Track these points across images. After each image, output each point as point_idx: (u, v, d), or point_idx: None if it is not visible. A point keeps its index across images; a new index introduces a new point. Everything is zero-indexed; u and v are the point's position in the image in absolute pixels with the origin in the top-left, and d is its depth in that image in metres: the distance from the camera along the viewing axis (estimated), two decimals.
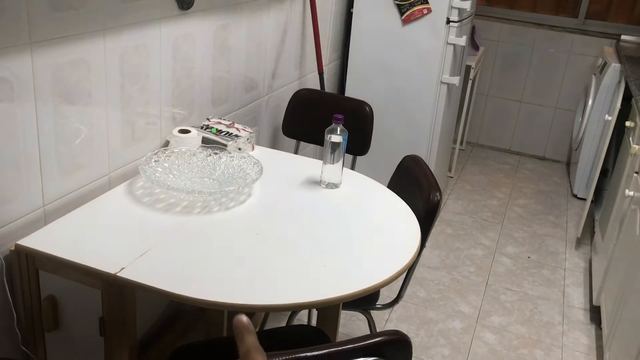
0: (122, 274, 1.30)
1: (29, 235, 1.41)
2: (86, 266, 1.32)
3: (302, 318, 2.45)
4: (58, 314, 1.44)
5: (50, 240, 1.39)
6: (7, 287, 1.39)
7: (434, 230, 3.31)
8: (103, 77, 1.57)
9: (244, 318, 0.57)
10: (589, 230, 3.46)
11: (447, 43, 2.98)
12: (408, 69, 3.06)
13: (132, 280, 1.29)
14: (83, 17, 1.45)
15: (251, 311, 1.91)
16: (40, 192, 1.45)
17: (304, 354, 1.03)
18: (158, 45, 1.76)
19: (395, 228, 1.64)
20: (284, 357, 1.01)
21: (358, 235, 1.58)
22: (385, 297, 2.55)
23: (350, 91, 3.21)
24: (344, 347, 1.06)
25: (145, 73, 1.73)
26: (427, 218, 1.69)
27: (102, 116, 1.61)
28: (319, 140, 2.45)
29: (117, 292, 1.36)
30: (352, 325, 2.50)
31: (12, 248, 1.39)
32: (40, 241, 1.39)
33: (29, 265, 1.40)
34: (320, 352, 1.05)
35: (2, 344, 1.43)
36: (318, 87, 2.90)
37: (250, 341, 0.56)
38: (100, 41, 1.53)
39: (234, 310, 1.31)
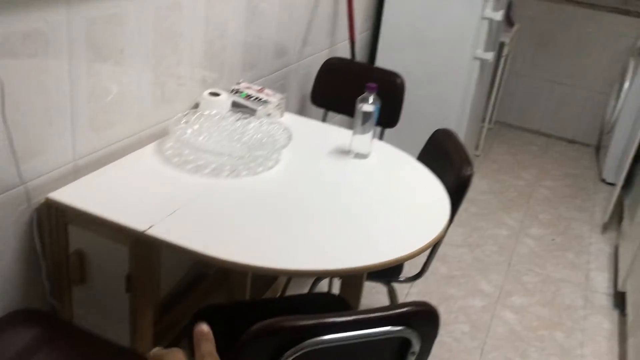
0: (150, 232, 1.30)
1: (59, 189, 1.41)
2: (115, 222, 1.32)
3: (321, 288, 2.45)
4: (85, 268, 1.45)
5: (80, 195, 1.40)
6: (37, 240, 1.40)
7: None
8: (136, 34, 1.55)
9: (204, 327, 0.62)
10: (617, 215, 3.39)
11: (483, 17, 2.90)
12: (441, 43, 2.99)
13: (160, 238, 1.29)
14: None
15: (275, 274, 1.92)
16: (71, 146, 1.45)
17: (331, 319, 1.02)
18: (192, 4, 1.73)
19: (425, 201, 1.61)
20: (312, 321, 1.01)
21: (386, 206, 1.56)
22: (406, 270, 2.54)
23: (381, 62, 3.15)
24: (371, 315, 1.05)
25: (179, 32, 1.71)
26: (457, 193, 1.67)
27: (134, 74, 1.60)
28: (348, 111, 2.41)
29: (144, 249, 1.37)
30: (371, 297, 2.50)
31: (43, 201, 1.39)
32: (70, 195, 1.39)
33: (59, 218, 1.41)
34: (347, 319, 1.04)
35: (31, 294, 1.45)
36: (349, 57, 2.85)
37: (206, 348, 0.60)
38: None
39: (258, 272, 1.31)
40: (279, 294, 2.26)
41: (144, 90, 1.65)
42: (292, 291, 2.36)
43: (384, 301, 2.47)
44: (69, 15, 1.33)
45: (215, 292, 2.04)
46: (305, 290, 2.34)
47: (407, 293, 2.54)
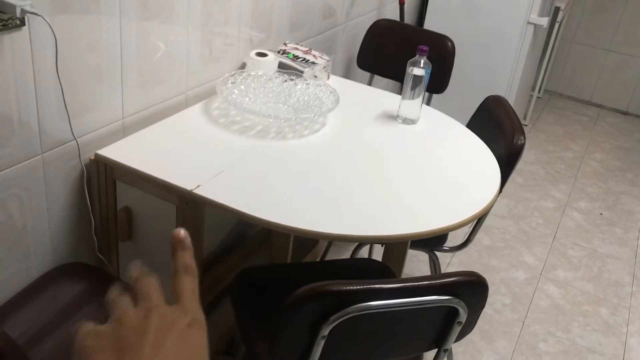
0: (198, 191, 1.30)
1: (108, 146, 1.42)
2: (163, 180, 1.32)
3: (362, 254, 2.44)
4: (132, 226, 1.47)
5: (129, 153, 1.41)
6: (87, 195, 1.42)
7: None
8: None
9: (181, 232, 0.51)
10: None
11: None
12: (494, 6, 2.88)
13: (208, 198, 1.29)
14: None
15: (318, 238, 1.91)
16: (120, 104, 1.46)
17: (378, 286, 1.01)
18: None
19: (474, 170, 1.57)
20: (359, 287, 1.00)
21: (434, 174, 1.52)
22: (450, 240, 2.51)
23: (430, 25, 3.06)
24: (419, 283, 1.03)
25: None
26: (508, 163, 1.62)
27: (183, 33, 1.58)
28: (395, 75, 2.36)
29: (191, 208, 1.37)
30: (412, 265, 2.48)
31: (92, 157, 1.41)
32: (118, 152, 1.40)
33: (107, 175, 1.42)
34: (394, 286, 1.03)
35: (80, 249, 1.48)
36: (397, 19, 2.78)
37: (183, 260, 0.50)
38: None
39: (302, 235, 1.30)
40: (319, 258, 2.26)
41: (191, 48, 1.64)
42: (331, 256, 2.36)
43: (425, 270, 2.45)
44: None
45: (256, 254, 2.05)
46: (345, 256, 2.33)
47: (449, 263, 2.52)
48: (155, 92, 1.56)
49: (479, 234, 2.71)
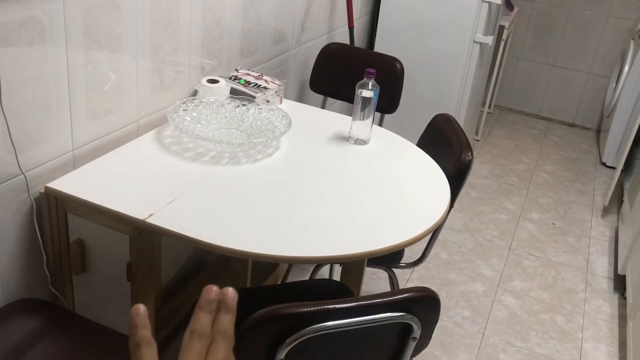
0: (150, 220, 1.30)
1: (59, 179, 1.41)
2: (115, 211, 1.32)
3: (322, 274, 2.46)
4: (86, 258, 1.45)
5: (80, 184, 1.40)
6: (37, 229, 1.40)
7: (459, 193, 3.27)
8: (133, 22, 1.54)
9: (140, 308, 0.54)
10: (617, 199, 3.39)
11: (482, 1, 2.88)
12: (441, 27, 2.97)
13: (161, 227, 1.29)
14: None
15: (274, 261, 1.92)
16: (70, 135, 1.45)
17: (331, 306, 1.03)
18: None
19: (425, 187, 1.61)
20: (312, 308, 1.01)
21: (386, 192, 1.56)
22: (407, 257, 2.54)
23: (380, 47, 3.14)
24: (372, 301, 1.05)
25: (176, 19, 1.70)
26: (457, 178, 1.66)
27: (132, 62, 1.59)
28: (347, 97, 2.41)
29: (144, 238, 1.37)
30: (373, 283, 2.50)
31: (42, 190, 1.39)
32: (69, 185, 1.39)
33: (58, 208, 1.40)
34: (347, 305, 1.04)
35: (32, 284, 1.45)
36: (348, 42, 2.83)
37: (141, 335, 0.52)
38: None
39: (258, 259, 1.31)
40: (280, 281, 2.26)
41: (142, 77, 1.64)
42: (293, 278, 2.36)
43: (385, 287, 2.48)
44: (65, 2, 1.32)
45: (216, 280, 2.04)
46: (307, 277, 2.34)
47: (408, 279, 2.55)
48: (106, 122, 1.56)
49: (437, 249, 2.76)
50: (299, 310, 1.00)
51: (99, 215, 1.36)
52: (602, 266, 2.79)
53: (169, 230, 1.28)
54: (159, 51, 1.67)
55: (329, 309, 1.02)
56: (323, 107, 2.53)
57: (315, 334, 1.02)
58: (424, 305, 1.09)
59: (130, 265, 1.38)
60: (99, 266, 1.46)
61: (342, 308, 1.03)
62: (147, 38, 1.61)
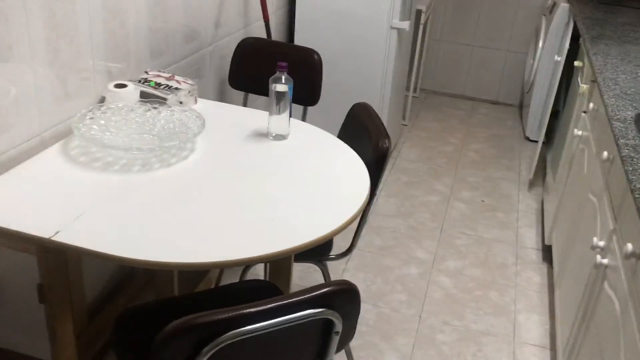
0: (56, 238, 1.23)
1: None
2: (18, 231, 1.24)
3: (258, 273, 2.42)
4: None
5: None
6: None
7: (389, 179, 3.30)
8: (24, 30, 1.45)
9: None
10: (542, 172, 3.51)
11: None
12: (358, 15, 2.97)
13: (69, 244, 1.22)
14: None
15: (197, 269, 1.87)
16: None
17: (249, 310, 1.00)
18: None
19: (344, 177, 1.60)
20: (226, 314, 0.98)
21: (306, 186, 1.54)
22: (341, 247, 2.54)
23: (300, 40, 3.11)
24: (289, 300, 1.03)
25: (74, 24, 1.62)
26: (377, 166, 1.66)
27: (28, 72, 1.50)
28: (267, 92, 2.37)
29: (55, 257, 1.30)
30: (309, 277, 2.49)
31: None
32: None
33: None
34: (265, 307, 1.02)
35: None
36: (265, 36, 2.79)
37: None
38: None
39: (180, 269, 1.27)
40: (214, 285, 2.21)
41: (42, 88, 1.55)
42: (227, 279, 2.32)
43: (321, 280, 2.47)
44: None
45: (145, 292, 1.98)
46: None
47: (344, 268, 2.55)
48: (5, 138, 1.47)
49: (371, 236, 2.77)
50: (212, 318, 0.96)
51: (2, 237, 1.27)
52: (530, 238, 2.88)
53: (78, 247, 1.22)
54: (58, 58, 1.59)
55: (244, 313, 0.99)
56: (245, 103, 2.49)
57: (235, 340, 0.99)
58: (344, 299, 1.08)
59: (40, 287, 1.31)
60: (10, 290, 1.37)
61: (259, 311, 1.00)
62: (42, 46, 1.52)
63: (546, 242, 2.69)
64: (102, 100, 1.80)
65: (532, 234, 2.92)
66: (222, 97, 2.65)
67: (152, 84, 1.86)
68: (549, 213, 2.77)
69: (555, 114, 3.61)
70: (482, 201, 3.17)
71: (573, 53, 3.15)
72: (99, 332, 1.79)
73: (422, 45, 4.14)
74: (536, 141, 3.89)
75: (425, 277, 2.53)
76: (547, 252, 2.76)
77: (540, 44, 3.71)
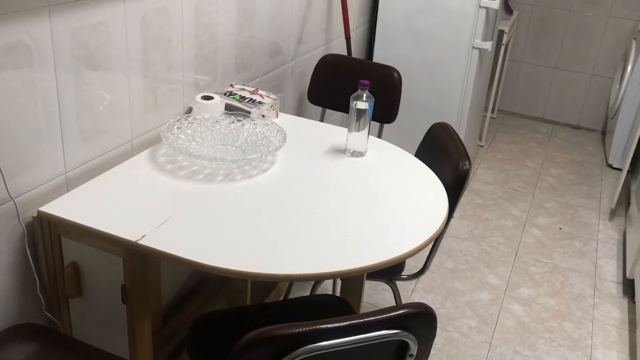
0: (143, 242, 1.28)
1: (51, 202, 1.40)
2: (107, 233, 1.31)
3: (326, 287, 2.43)
4: (81, 281, 1.44)
5: (72, 207, 1.39)
6: (29, 254, 1.39)
7: (463, 200, 3.24)
8: (124, 42, 1.54)
9: None
10: (624, 201, 3.35)
11: (480, 6, 2.87)
12: (438, 34, 2.96)
13: (153, 248, 1.27)
14: None
15: (273, 280, 1.91)
16: (62, 158, 1.44)
17: (324, 326, 1.00)
18: (180, 9, 1.72)
19: (422, 198, 1.59)
20: (305, 328, 0.99)
21: (384, 204, 1.54)
22: (411, 267, 2.52)
23: (378, 57, 3.12)
24: (366, 319, 1.03)
25: (167, 37, 1.70)
26: (455, 187, 1.64)
27: (124, 82, 1.58)
28: (346, 108, 2.39)
29: (139, 259, 1.35)
30: (377, 295, 2.48)
31: (35, 215, 1.38)
32: (62, 208, 1.38)
33: (52, 232, 1.39)
34: (342, 324, 1.02)
35: (27, 309, 1.44)
36: (345, 53, 2.82)
37: None
38: (120, 4, 1.49)
39: (255, 279, 1.29)
40: (282, 297, 2.24)
41: (134, 97, 1.63)
42: (296, 292, 2.34)
43: (389, 298, 2.45)
44: (52, 25, 1.32)
45: (217, 298, 2.02)
46: (308, 291, 2.32)
47: (414, 289, 2.52)
48: (99, 144, 1.55)
49: (442, 258, 2.73)
50: (290, 331, 0.97)
51: (92, 237, 1.34)
52: (610, 270, 2.75)
53: (162, 251, 1.27)
54: (151, 70, 1.67)
55: (321, 328, 0.99)
56: (322, 118, 2.52)
57: (309, 355, 1.00)
58: (420, 322, 1.07)
59: (124, 288, 1.37)
60: (94, 289, 1.44)
61: (335, 327, 1.00)
62: (138, 57, 1.60)
63: (628, 276, 2.57)
64: (189, 111, 1.87)
65: (613, 266, 2.78)
66: (299, 111, 2.69)
67: (237, 97, 1.91)
68: (632, 245, 2.64)
69: None
70: (560, 229, 3.06)
71: None
72: (173, 334, 1.84)
73: (502, 66, 4.06)
74: (620, 169, 3.72)
75: (497, 304, 2.47)
76: (628, 286, 2.63)
77: (629, 68, 3.56)
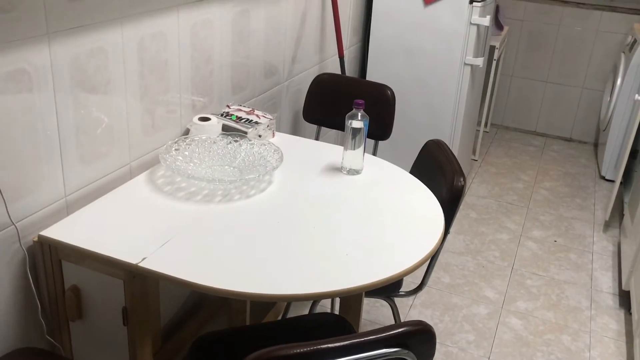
0: (143, 264, 1.29)
1: (52, 226, 1.41)
2: (108, 256, 1.32)
3: (325, 305, 2.44)
4: (82, 304, 1.45)
5: (73, 231, 1.40)
6: (30, 278, 1.40)
7: (458, 215, 3.27)
8: (121, 66, 1.56)
9: None
10: (618, 213, 3.38)
11: (471, 23, 2.91)
12: (430, 51, 3.00)
13: (154, 270, 1.29)
14: (99, 6, 1.44)
15: (272, 300, 1.91)
16: (62, 182, 1.46)
17: (325, 346, 1.02)
18: (176, 32, 1.74)
19: (418, 214, 1.61)
20: (303, 349, 1.00)
21: (380, 222, 1.55)
22: (409, 282, 2.53)
23: (372, 75, 3.16)
24: (366, 339, 1.04)
25: (164, 60, 1.72)
26: (451, 204, 1.66)
27: (122, 105, 1.60)
28: (341, 126, 2.42)
29: (139, 281, 1.36)
30: (375, 311, 2.48)
31: (35, 239, 1.39)
32: (62, 232, 1.39)
33: (52, 255, 1.40)
34: (342, 344, 1.03)
35: (28, 333, 1.44)
36: (339, 72, 2.86)
37: None
38: (118, 29, 1.52)
39: (254, 300, 1.31)
40: (280, 316, 2.25)
41: (132, 120, 1.65)
42: (294, 310, 2.35)
43: (387, 314, 2.46)
44: (51, 52, 1.34)
45: (216, 318, 2.03)
46: (307, 309, 2.33)
47: (412, 305, 2.53)
48: (98, 166, 1.57)
49: (439, 273, 2.74)
50: (291, 352, 0.99)
51: (93, 261, 1.36)
52: (606, 282, 2.77)
53: (162, 273, 1.28)
54: (148, 92, 1.69)
55: (322, 348, 1.01)
56: (317, 136, 2.54)
57: None
58: (420, 339, 1.08)
59: (125, 310, 1.38)
60: (96, 312, 1.45)
61: (335, 347, 1.02)
62: (136, 81, 1.63)
63: (623, 287, 2.59)
64: (187, 132, 1.89)
65: (608, 277, 2.81)
66: (295, 130, 2.72)
67: (234, 117, 1.93)
68: (627, 256, 2.67)
69: (633, 154, 3.48)
70: (555, 241, 3.08)
71: None
72: (173, 354, 1.85)
73: (494, 80, 4.11)
74: (612, 180, 3.76)
75: (495, 317, 2.48)
76: (624, 298, 2.65)
77: (619, 82, 3.61)
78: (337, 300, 2.25)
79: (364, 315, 2.45)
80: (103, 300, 1.42)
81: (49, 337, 1.47)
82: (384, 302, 2.52)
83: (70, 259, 1.39)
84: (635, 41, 3.57)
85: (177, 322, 1.94)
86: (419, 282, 1.87)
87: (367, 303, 2.53)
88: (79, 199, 1.52)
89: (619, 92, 3.61)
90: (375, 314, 2.47)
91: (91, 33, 1.44)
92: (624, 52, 3.77)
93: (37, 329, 1.46)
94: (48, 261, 1.41)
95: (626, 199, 3.27)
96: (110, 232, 1.40)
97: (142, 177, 1.67)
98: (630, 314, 2.43)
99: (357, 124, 1.75)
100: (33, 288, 1.41)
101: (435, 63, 3.01)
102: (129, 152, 1.67)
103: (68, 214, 1.48)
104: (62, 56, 1.37)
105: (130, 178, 1.68)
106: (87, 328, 1.47)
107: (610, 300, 2.64)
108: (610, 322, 2.50)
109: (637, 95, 3.08)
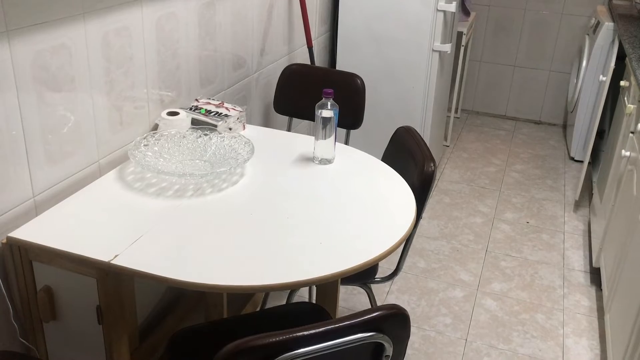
0: (115, 262, 1.28)
1: (21, 227, 1.39)
2: (79, 255, 1.30)
3: (303, 294, 2.45)
4: (55, 305, 1.43)
5: (43, 231, 1.38)
6: (0, 281, 1.38)
7: (432, 201, 3.30)
8: (86, 62, 1.54)
9: None
10: (587, 192, 3.45)
11: (437, 10, 2.93)
12: (399, 39, 3.01)
13: (127, 267, 1.28)
14: (60, 1, 1.42)
15: (248, 292, 1.91)
16: (29, 182, 1.43)
17: (300, 333, 1.02)
18: (140, 27, 1.72)
19: (390, 201, 1.62)
20: (282, 337, 1.01)
21: (353, 210, 1.56)
22: (385, 269, 2.55)
23: (342, 64, 3.17)
24: (341, 324, 1.05)
25: (129, 56, 1.70)
26: (422, 189, 1.68)
27: (88, 102, 1.58)
28: (312, 116, 2.41)
29: (112, 279, 1.35)
30: (353, 299, 2.50)
31: (4, 241, 1.37)
32: (32, 232, 1.37)
33: (22, 257, 1.38)
34: (317, 330, 1.04)
35: (1, 336, 1.42)
36: (308, 62, 2.86)
37: None
38: (81, 25, 1.50)
39: (230, 292, 1.31)
40: (259, 307, 2.25)
41: (99, 117, 1.63)
42: (272, 302, 2.35)
43: (365, 301, 2.48)
44: (12, 51, 1.31)
45: (193, 313, 2.02)
46: (285, 299, 2.33)
47: (389, 291, 2.55)
48: (66, 165, 1.54)
49: (414, 258, 2.77)
50: (268, 340, 0.99)
51: (64, 260, 1.34)
52: (577, 260, 2.83)
53: (136, 270, 1.27)
54: (115, 89, 1.67)
55: (298, 336, 1.01)
56: (289, 128, 2.54)
57: None
58: (394, 323, 1.10)
59: (100, 309, 1.37)
60: (69, 312, 1.44)
61: (312, 334, 1.03)
62: (101, 77, 1.60)
63: (594, 265, 2.65)
64: (155, 127, 1.87)
65: (579, 256, 2.86)
66: (266, 122, 2.71)
67: (203, 111, 1.92)
68: (596, 234, 2.72)
69: (600, 134, 3.55)
70: (527, 222, 3.13)
71: (618, 72, 3.11)
72: (151, 352, 1.84)
73: (463, 66, 4.15)
74: (581, 161, 3.83)
75: (470, 300, 2.52)
76: (595, 275, 2.71)
77: (584, 63, 3.67)
78: (315, 289, 2.26)
79: (342, 303, 2.47)
80: (77, 300, 1.41)
81: (22, 340, 1.45)
82: (361, 290, 2.54)
83: (41, 259, 1.38)
84: (598, 23, 3.63)
85: (155, 319, 1.93)
86: (394, 268, 1.89)
87: (345, 291, 2.54)
88: (48, 199, 1.50)
89: (584, 74, 3.67)
90: (353, 302, 2.48)
91: (53, 29, 1.41)
92: (588, 34, 3.83)
93: (10, 331, 1.44)
94: (18, 263, 1.39)
95: (595, 179, 3.33)
96: (81, 231, 1.39)
97: (111, 175, 1.65)
98: (601, 290, 2.49)
99: (327, 113, 1.76)
100: (4, 291, 1.39)
101: (403, 50, 3.03)
102: (97, 149, 1.65)
103: (37, 214, 1.46)
104: (23, 54, 1.35)
105: (100, 176, 1.66)
106: (61, 329, 1.46)
107: (581, 277, 2.70)
108: (582, 299, 2.55)
109: (601, 76, 3.14)
